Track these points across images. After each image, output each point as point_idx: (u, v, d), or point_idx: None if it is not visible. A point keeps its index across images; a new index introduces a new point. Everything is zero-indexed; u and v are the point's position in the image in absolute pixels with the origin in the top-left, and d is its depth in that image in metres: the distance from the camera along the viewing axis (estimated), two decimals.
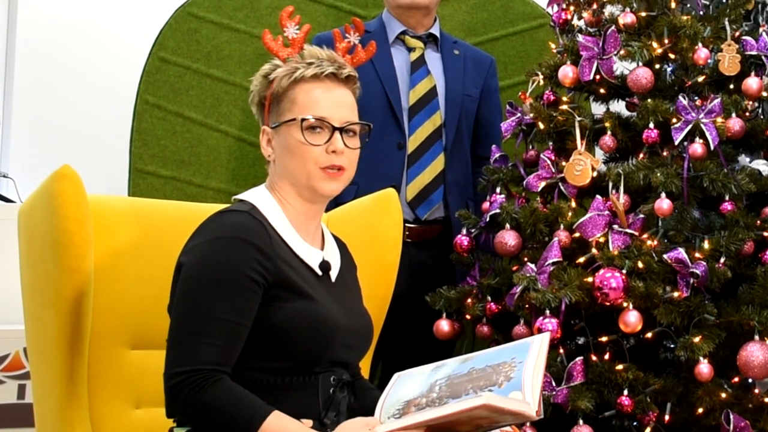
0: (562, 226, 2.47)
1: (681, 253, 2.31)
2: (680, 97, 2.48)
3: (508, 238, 2.55)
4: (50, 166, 1.92)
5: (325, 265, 1.81)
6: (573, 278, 2.34)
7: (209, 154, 3.16)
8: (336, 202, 2.20)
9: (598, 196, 2.44)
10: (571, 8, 2.78)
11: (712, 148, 2.43)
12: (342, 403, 1.75)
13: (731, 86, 2.58)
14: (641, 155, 2.52)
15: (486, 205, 2.68)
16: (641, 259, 2.33)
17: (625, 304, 2.29)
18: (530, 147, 2.72)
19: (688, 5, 2.69)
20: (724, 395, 2.31)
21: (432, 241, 2.84)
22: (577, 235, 2.43)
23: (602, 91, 2.67)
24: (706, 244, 2.37)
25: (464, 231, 2.67)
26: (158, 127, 3.13)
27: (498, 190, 2.68)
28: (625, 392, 2.30)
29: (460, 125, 2.89)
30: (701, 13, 2.66)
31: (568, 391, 2.30)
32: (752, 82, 2.52)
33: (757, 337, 2.26)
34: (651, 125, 2.47)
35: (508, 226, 2.56)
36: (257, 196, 1.80)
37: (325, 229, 1.90)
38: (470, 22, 3.34)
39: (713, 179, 2.42)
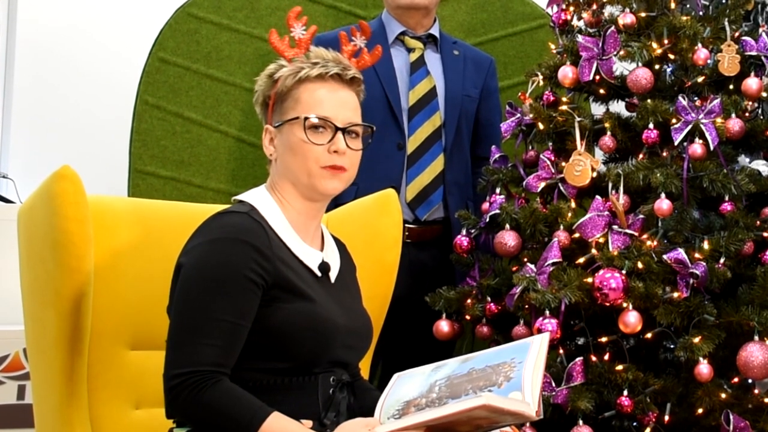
0: (561, 227, 2.47)
1: (681, 253, 2.31)
2: (680, 98, 2.48)
3: (508, 238, 2.55)
4: (50, 166, 1.92)
5: (324, 266, 1.81)
6: (573, 279, 2.34)
7: (209, 154, 3.16)
8: (336, 203, 2.20)
9: (597, 197, 2.44)
10: (571, 9, 2.78)
11: (711, 148, 2.43)
12: (342, 404, 1.75)
13: (731, 87, 2.58)
14: (641, 156, 2.52)
15: (486, 205, 2.68)
16: (641, 259, 2.33)
17: (624, 305, 2.29)
18: (530, 147, 2.72)
19: (688, 6, 2.69)
20: (723, 395, 2.31)
21: (432, 241, 2.84)
22: (576, 235, 2.43)
23: (602, 91, 2.67)
24: (705, 245, 2.37)
25: (464, 231, 2.67)
26: (158, 128, 3.13)
27: (498, 190, 2.68)
28: (625, 393, 2.30)
29: (459, 126, 2.89)
30: (701, 13, 2.66)
31: (568, 392, 2.30)
32: (752, 83, 2.52)
33: (756, 338, 2.26)
34: (651, 126, 2.47)
35: (507, 226, 2.56)
36: (257, 197, 1.80)
37: (324, 230, 1.90)
38: (470, 22, 3.34)
39: (713, 180, 2.43)
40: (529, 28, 3.34)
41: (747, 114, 2.58)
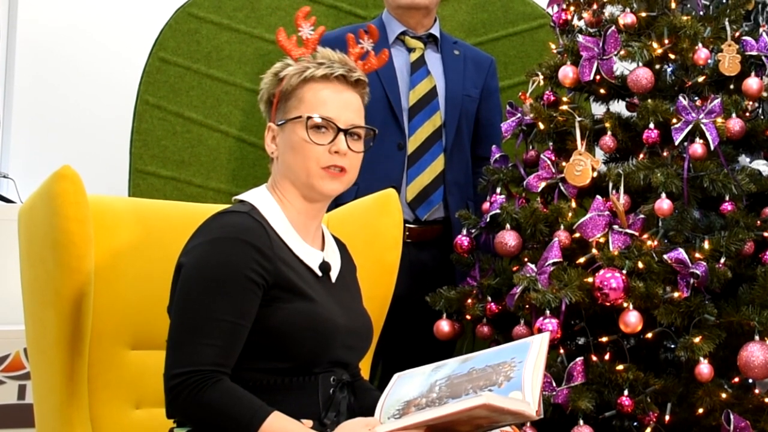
0: (562, 227, 2.47)
1: (681, 253, 2.31)
2: (680, 98, 2.48)
3: (509, 238, 2.55)
4: (50, 166, 1.92)
5: (325, 266, 1.81)
6: (573, 278, 2.34)
7: (209, 154, 3.16)
8: (336, 203, 2.20)
9: (598, 197, 2.44)
10: (572, 8, 2.78)
11: (712, 148, 2.43)
12: (342, 404, 1.75)
13: (731, 86, 2.58)
14: (641, 155, 2.52)
15: (486, 205, 2.68)
16: (641, 259, 2.33)
17: (625, 305, 2.29)
18: (530, 147, 2.72)
19: (689, 5, 2.69)
20: (724, 395, 2.31)
21: (432, 241, 2.84)
22: (577, 235, 2.43)
23: (602, 91, 2.67)
24: (706, 245, 2.37)
25: (464, 231, 2.67)
26: (158, 128, 3.13)
27: (498, 190, 2.68)
28: (626, 392, 2.30)
29: (460, 126, 2.89)
30: (701, 13, 2.66)
31: (569, 392, 2.30)
32: (752, 83, 2.52)
33: (757, 338, 2.26)
34: (651, 125, 2.47)
35: (508, 226, 2.56)
36: (257, 197, 1.80)
37: (325, 230, 1.90)
38: (470, 22, 3.34)
39: (713, 179, 2.42)
40: (529, 28, 3.34)
41: (747, 114, 2.58)
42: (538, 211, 2.51)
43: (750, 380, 2.40)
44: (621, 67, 2.64)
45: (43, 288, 1.91)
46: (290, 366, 1.70)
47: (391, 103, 2.82)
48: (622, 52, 2.58)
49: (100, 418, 1.94)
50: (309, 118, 1.75)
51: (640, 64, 2.55)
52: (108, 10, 3.73)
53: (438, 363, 1.72)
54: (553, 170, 2.56)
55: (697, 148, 2.43)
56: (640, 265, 2.32)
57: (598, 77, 2.59)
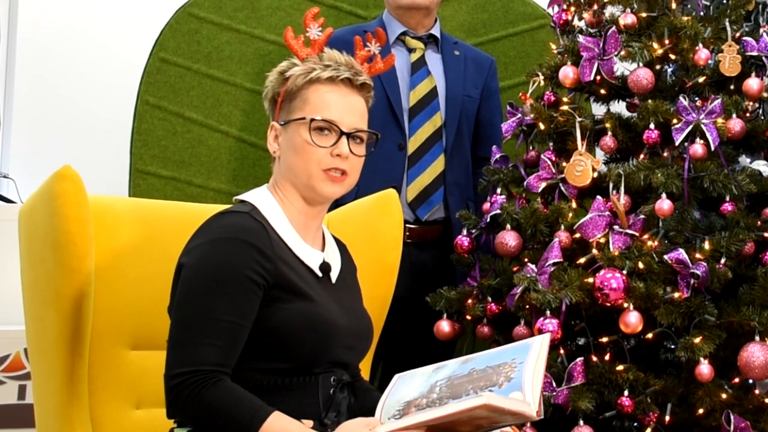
0: (562, 227, 2.47)
1: (681, 253, 2.31)
2: (681, 98, 2.48)
3: (509, 238, 2.55)
4: (51, 166, 1.92)
5: (325, 267, 1.81)
6: (573, 279, 2.34)
7: (210, 154, 3.16)
8: (337, 203, 2.20)
9: (598, 197, 2.44)
10: (572, 9, 2.78)
11: (712, 148, 2.43)
12: (342, 404, 1.75)
13: (732, 87, 2.58)
14: (642, 156, 2.52)
15: (486, 205, 2.68)
16: (642, 259, 2.33)
17: (625, 305, 2.29)
18: (531, 148, 2.72)
19: (689, 6, 2.69)
20: (724, 396, 2.31)
21: (432, 241, 2.84)
22: (577, 235, 2.43)
23: (603, 91, 2.67)
24: (706, 245, 2.37)
25: (465, 231, 2.67)
26: (159, 128, 3.13)
27: (498, 190, 2.68)
28: (626, 393, 2.30)
29: (460, 126, 2.89)
30: (702, 13, 2.66)
31: (569, 392, 2.30)
32: (753, 83, 2.52)
33: (757, 338, 2.26)
34: (651, 126, 2.47)
35: (508, 226, 2.56)
36: (258, 197, 1.80)
37: (325, 231, 1.90)
38: (471, 22, 3.34)
39: (714, 180, 2.42)
40: (529, 29, 3.34)
41: (748, 114, 2.58)
42: (539, 212, 2.51)
43: (750, 381, 2.40)
44: (621, 68, 2.64)
45: (44, 288, 1.91)
46: (290, 366, 1.70)
47: (392, 104, 2.82)
48: (622, 53, 2.58)
49: (100, 419, 1.94)
50: (312, 119, 1.76)
51: (641, 64, 2.55)
52: (108, 11, 3.73)
53: (438, 364, 1.72)
54: (554, 170, 2.56)
55: (697, 148, 2.43)
56: (641, 265, 2.32)
57: (598, 78, 2.59)
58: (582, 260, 2.41)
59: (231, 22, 3.20)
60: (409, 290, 2.61)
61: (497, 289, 2.57)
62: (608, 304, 2.29)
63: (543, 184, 2.56)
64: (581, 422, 2.28)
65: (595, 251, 2.39)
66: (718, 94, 2.54)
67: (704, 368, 2.25)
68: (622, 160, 2.64)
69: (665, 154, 2.50)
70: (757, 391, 2.40)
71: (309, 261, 1.78)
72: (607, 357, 2.39)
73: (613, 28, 2.57)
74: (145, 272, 2.01)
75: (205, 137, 3.16)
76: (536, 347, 1.63)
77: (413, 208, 2.80)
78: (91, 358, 1.92)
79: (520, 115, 2.70)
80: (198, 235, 1.73)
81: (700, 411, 2.31)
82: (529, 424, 2.26)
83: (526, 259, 2.51)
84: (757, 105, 2.63)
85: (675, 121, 2.46)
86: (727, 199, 2.43)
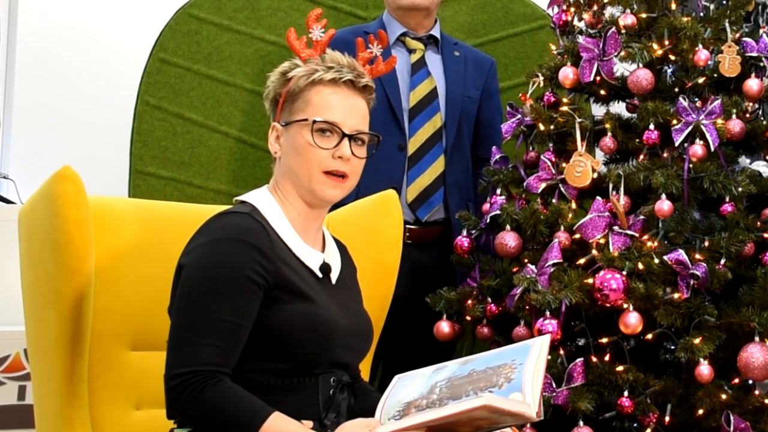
0: (562, 228, 2.47)
1: (681, 254, 2.31)
2: (680, 99, 2.48)
3: (509, 239, 2.55)
4: (51, 167, 1.92)
5: (325, 267, 1.81)
6: (573, 279, 2.34)
7: (210, 155, 3.16)
8: (337, 204, 2.20)
9: (598, 198, 2.44)
10: (572, 10, 2.78)
11: (712, 149, 2.43)
12: (342, 405, 1.75)
13: (731, 88, 2.58)
14: (641, 157, 2.52)
15: (486, 206, 2.68)
16: (641, 260, 2.33)
17: (625, 306, 2.29)
18: (530, 148, 2.72)
19: (689, 7, 2.69)
20: (724, 396, 2.31)
21: (432, 242, 2.84)
22: (577, 236, 2.43)
23: (602, 92, 2.67)
24: (706, 245, 2.37)
25: (464, 232, 2.67)
26: (159, 129, 3.13)
27: (498, 191, 2.68)
28: (626, 393, 2.30)
29: (460, 127, 2.89)
30: (701, 14, 2.66)
31: (569, 393, 2.30)
32: (752, 84, 2.52)
33: (757, 339, 2.26)
34: (651, 126, 2.47)
35: (508, 227, 2.56)
36: (258, 198, 1.80)
37: (325, 231, 1.90)
38: (471, 23, 3.34)
39: (713, 180, 2.42)
40: (529, 29, 3.34)
41: (747, 115, 2.58)
42: (539, 212, 2.51)
43: (750, 381, 2.40)
44: (621, 68, 2.64)
45: (44, 289, 1.91)
46: (290, 367, 1.71)
47: (392, 104, 2.82)
48: (622, 53, 2.58)
49: (100, 419, 1.94)
50: (315, 121, 1.76)
51: (641, 65, 2.55)
52: (108, 11, 3.73)
53: (438, 365, 1.72)
54: (554, 171, 2.56)
55: (697, 149, 2.43)
56: (640, 266, 2.32)
57: (598, 78, 2.59)
58: (582, 261, 2.41)
59: (231, 22, 3.20)
60: (409, 291, 2.61)
61: (497, 289, 2.57)
62: (608, 305, 2.29)
63: (543, 185, 2.56)
64: (581, 423, 2.28)
65: (594, 252, 2.39)
66: (718, 94, 2.54)
67: (704, 369, 2.25)
68: (621, 160, 2.65)
69: (665, 155, 2.50)
70: (757, 392, 2.40)
71: (309, 262, 1.78)
72: (606, 358, 2.39)
73: (613, 28, 2.57)
74: (145, 273, 2.01)
75: (205, 138, 3.16)
76: (536, 348, 1.63)
77: (413, 208, 2.80)
78: (91, 358, 1.92)
79: (519, 115, 2.70)
80: (198, 236, 1.73)
81: (700, 412, 2.31)
82: (529, 425, 2.26)
83: (525, 260, 2.51)
84: (756, 106, 2.63)
85: (675, 121, 2.47)
86: (727, 199, 2.43)
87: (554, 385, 2.31)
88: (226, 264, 1.66)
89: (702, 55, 2.52)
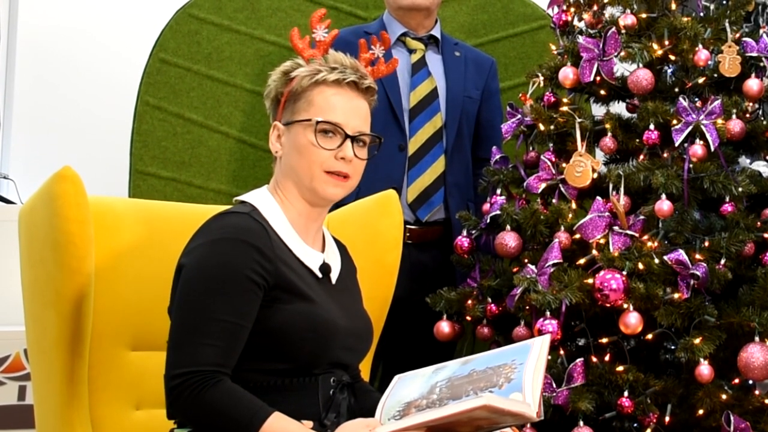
0: (562, 228, 2.47)
1: (681, 254, 2.31)
2: (680, 99, 2.48)
3: (509, 239, 2.55)
4: (51, 167, 1.92)
5: (325, 268, 1.82)
6: (573, 280, 2.34)
7: (210, 155, 3.16)
8: (337, 204, 2.21)
9: (598, 198, 2.44)
10: (572, 10, 2.78)
11: (712, 149, 2.43)
12: (342, 405, 1.75)
13: (732, 88, 2.58)
14: (642, 157, 2.52)
15: (486, 206, 2.68)
16: (642, 260, 2.33)
17: (625, 306, 2.29)
18: (531, 148, 2.72)
19: (689, 7, 2.69)
20: (724, 396, 2.31)
21: (432, 242, 2.84)
22: (577, 236, 2.43)
23: (603, 92, 2.67)
24: (706, 246, 2.37)
25: (465, 232, 2.67)
26: (159, 129, 3.13)
27: (498, 191, 2.68)
28: (626, 393, 2.30)
29: (460, 127, 2.89)
30: (702, 14, 2.66)
31: (569, 393, 2.30)
32: (752, 84, 2.52)
33: (757, 339, 2.26)
34: (651, 127, 2.47)
35: (508, 227, 2.56)
36: (258, 198, 1.80)
37: (325, 232, 1.90)
38: (471, 23, 3.34)
39: (714, 180, 2.42)
40: (529, 29, 3.34)
41: (748, 115, 2.58)
42: (539, 212, 2.51)
43: (750, 381, 2.40)
44: (621, 69, 2.64)
45: (44, 289, 1.91)
46: (290, 367, 1.71)
47: (392, 105, 2.82)
48: (622, 54, 2.58)
49: (100, 419, 1.94)
50: (318, 122, 1.76)
51: (641, 65, 2.55)
52: (108, 11, 3.73)
53: (438, 365, 1.72)
54: (554, 171, 2.56)
55: (697, 149, 2.43)
56: (641, 266, 2.32)
57: (598, 78, 2.59)
58: (582, 261, 2.41)
59: (231, 23, 3.20)
60: (409, 291, 2.61)
61: (497, 289, 2.57)
62: (608, 305, 2.29)
63: (543, 185, 2.56)
64: (581, 423, 2.28)
65: (594, 252, 2.39)
66: (718, 94, 2.54)
67: (704, 369, 2.25)
68: (621, 160, 2.65)
69: (665, 155, 2.50)
70: (757, 392, 2.39)
71: (309, 262, 1.78)
72: (607, 358, 2.39)
73: (613, 28, 2.57)
74: (145, 273, 2.01)
75: (205, 138, 3.16)
76: (536, 348, 1.63)
77: (413, 209, 2.80)
78: (91, 358, 1.92)
79: (520, 115, 2.70)
80: (198, 236, 1.73)
81: (700, 412, 2.31)
82: (529, 425, 2.26)
83: (526, 260, 2.51)
84: (756, 106, 2.63)
85: (675, 121, 2.47)
86: (727, 199, 2.43)
87: (554, 385, 2.31)
88: (226, 264, 1.66)
89: (702, 55, 2.52)
